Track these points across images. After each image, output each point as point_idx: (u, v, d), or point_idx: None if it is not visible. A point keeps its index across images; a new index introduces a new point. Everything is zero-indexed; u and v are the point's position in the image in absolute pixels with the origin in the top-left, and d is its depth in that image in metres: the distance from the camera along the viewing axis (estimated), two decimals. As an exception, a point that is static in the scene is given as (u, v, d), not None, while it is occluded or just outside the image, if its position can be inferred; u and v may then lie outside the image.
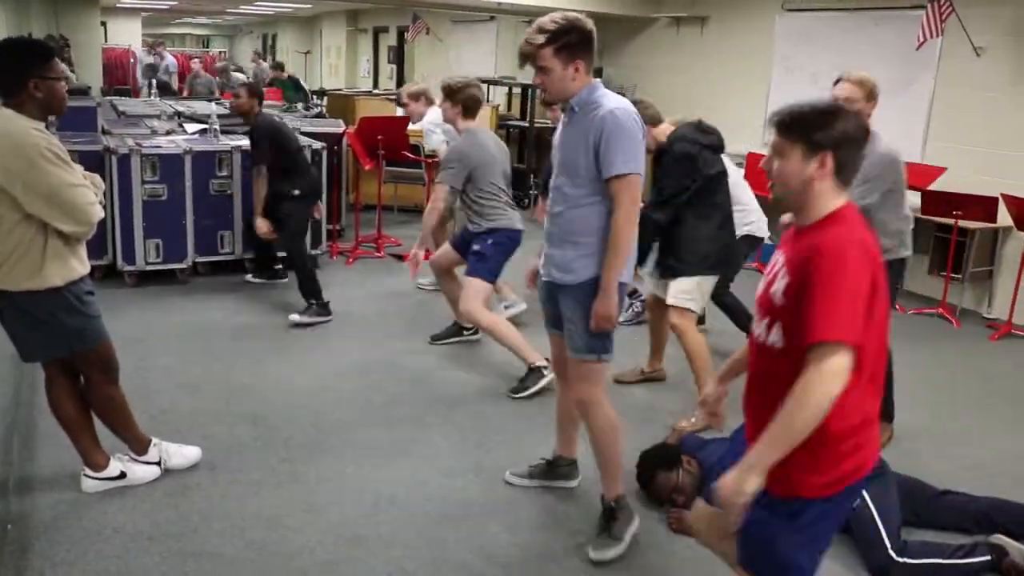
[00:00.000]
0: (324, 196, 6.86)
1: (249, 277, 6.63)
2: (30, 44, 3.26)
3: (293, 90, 13.91)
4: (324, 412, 4.39)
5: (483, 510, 3.55)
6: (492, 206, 5.03)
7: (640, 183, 3.08)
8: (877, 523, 3.23)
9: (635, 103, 3.85)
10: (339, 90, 14.02)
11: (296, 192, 5.95)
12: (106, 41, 20.14)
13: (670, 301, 4.46)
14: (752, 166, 7.73)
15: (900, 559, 3.16)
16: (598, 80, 3.14)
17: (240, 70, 16.99)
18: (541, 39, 3.01)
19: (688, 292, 4.43)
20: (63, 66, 3.21)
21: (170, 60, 17.53)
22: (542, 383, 4.68)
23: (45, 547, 3.13)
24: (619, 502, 3.33)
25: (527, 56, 3.06)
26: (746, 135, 8.75)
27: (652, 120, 4.31)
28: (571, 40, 3.00)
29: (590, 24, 3.04)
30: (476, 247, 5.02)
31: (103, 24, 20.09)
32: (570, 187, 3.13)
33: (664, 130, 4.40)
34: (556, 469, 3.74)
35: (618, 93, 3.18)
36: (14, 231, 3.04)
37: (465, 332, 5.53)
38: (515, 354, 4.86)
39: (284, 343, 5.36)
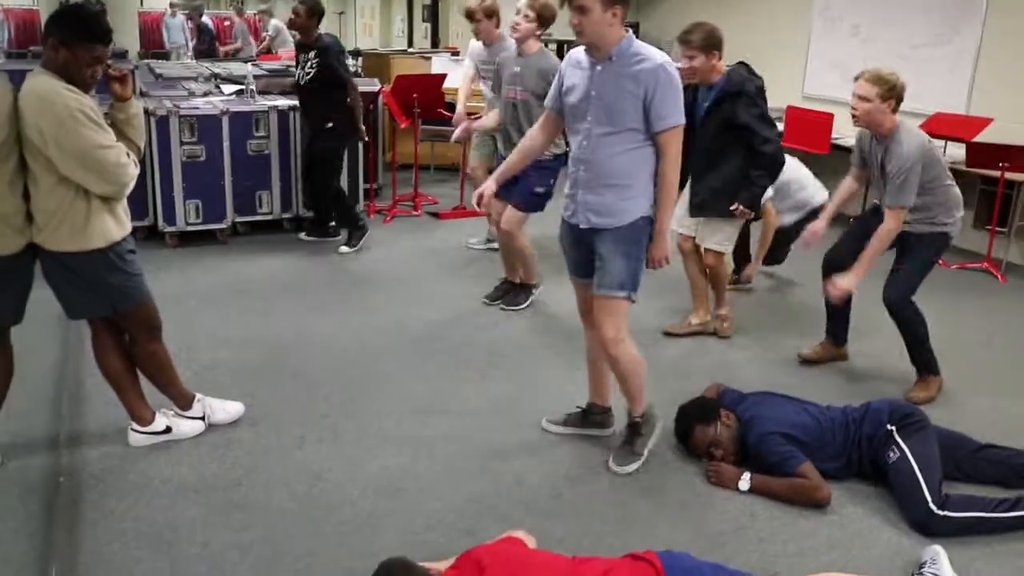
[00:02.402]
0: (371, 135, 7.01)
1: (303, 235, 6.71)
2: (78, 11, 3.22)
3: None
4: (364, 368, 4.44)
5: (521, 463, 3.58)
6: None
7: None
8: (918, 477, 3.21)
9: (705, 26, 4.41)
10: (374, 50, 13.97)
11: (330, 125, 6.03)
12: (142, 5, 20.21)
13: (713, 247, 4.70)
14: (792, 121, 7.60)
15: (941, 512, 3.13)
16: (631, 32, 3.22)
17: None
18: None
19: (730, 237, 4.73)
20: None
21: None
22: (531, 299, 5.32)
23: (96, 499, 3.22)
24: (644, 416, 3.54)
25: None
26: (785, 90, 8.60)
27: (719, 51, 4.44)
28: None
29: None
30: (539, 188, 4.94)
31: (139, -13, 20.15)
32: (610, 133, 3.20)
33: (719, 67, 4.49)
34: (590, 417, 3.81)
35: (655, 47, 3.22)
36: (54, 192, 3.08)
37: (534, 290, 5.42)
38: (523, 270, 5.33)
39: (323, 301, 5.41)
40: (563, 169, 4.45)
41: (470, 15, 5.63)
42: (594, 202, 3.28)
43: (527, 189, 4.92)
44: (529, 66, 4.90)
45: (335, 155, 6.28)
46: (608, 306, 3.33)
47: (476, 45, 5.92)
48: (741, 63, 4.57)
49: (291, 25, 6.07)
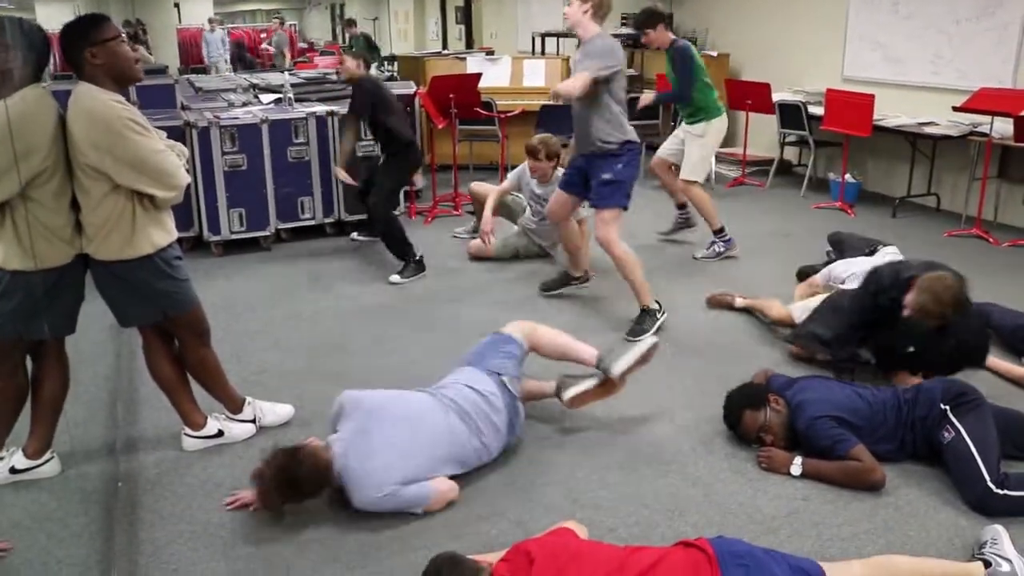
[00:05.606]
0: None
1: (355, 235, 6.84)
2: (79, 18, 3.27)
3: (367, 48, 14.18)
4: (408, 367, 4.46)
5: (570, 454, 3.58)
6: (622, 115, 4.71)
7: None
8: (974, 455, 3.15)
9: None
10: (410, 53, 14.07)
11: (387, 154, 6.12)
12: (180, 22, 20.57)
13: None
14: (832, 104, 7.50)
15: (1000, 491, 3.08)
16: None
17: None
18: None
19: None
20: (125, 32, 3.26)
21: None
22: (659, 323, 4.78)
23: (153, 502, 3.29)
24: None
25: None
26: (824, 71, 8.49)
27: None
28: None
29: None
30: (606, 175, 4.69)
31: (176, 6, 20.53)
32: None
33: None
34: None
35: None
36: (104, 203, 3.14)
37: (573, 281, 5.50)
38: (634, 292, 4.83)
39: (366, 304, 5.45)
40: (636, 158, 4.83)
41: (534, 152, 5.74)
42: None
43: (596, 181, 4.76)
44: (585, 51, 4.68)
45: (395, 177, 6.13)
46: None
47: (527, 173, 6.00)
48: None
49: (343, 73, 6.13)
